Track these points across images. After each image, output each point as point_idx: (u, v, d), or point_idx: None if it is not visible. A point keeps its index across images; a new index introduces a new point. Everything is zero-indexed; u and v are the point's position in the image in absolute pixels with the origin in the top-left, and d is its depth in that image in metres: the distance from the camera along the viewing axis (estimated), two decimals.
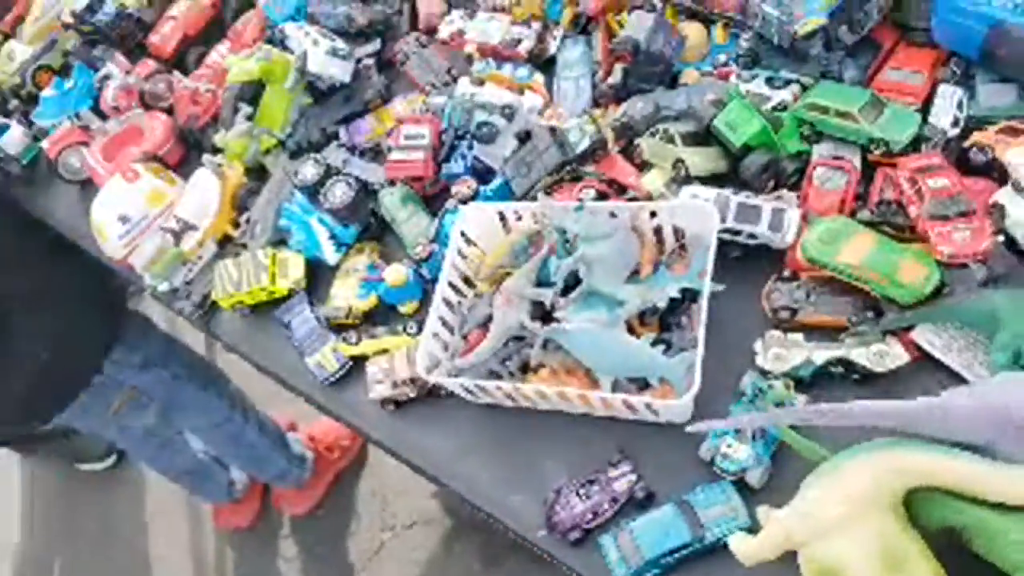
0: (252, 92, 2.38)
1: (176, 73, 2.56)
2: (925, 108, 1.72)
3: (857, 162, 1.71)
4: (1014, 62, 1.61)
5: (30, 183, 2.70)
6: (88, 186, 2.56)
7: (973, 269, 1.48)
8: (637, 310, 1.59)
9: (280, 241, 2.19)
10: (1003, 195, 1.56)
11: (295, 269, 2.08)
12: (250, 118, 2.37)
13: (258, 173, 2.37)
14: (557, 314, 1.66)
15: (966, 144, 1.63)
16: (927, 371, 1.52)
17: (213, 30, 2.77)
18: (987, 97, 1.67)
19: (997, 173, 1.60)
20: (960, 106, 1.68)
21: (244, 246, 2.25)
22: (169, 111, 2.61)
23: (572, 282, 1.70)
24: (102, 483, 3.91)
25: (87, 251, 2.46)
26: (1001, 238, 1.52)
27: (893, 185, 1.65)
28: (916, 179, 1.57)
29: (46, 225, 2.61)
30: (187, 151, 2.55)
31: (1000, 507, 1.20)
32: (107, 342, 2.58)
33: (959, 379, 1.48)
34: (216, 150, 2.40)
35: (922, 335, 1.51)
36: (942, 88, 1.70)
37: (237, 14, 2.74)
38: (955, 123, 1.67)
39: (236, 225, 2.29)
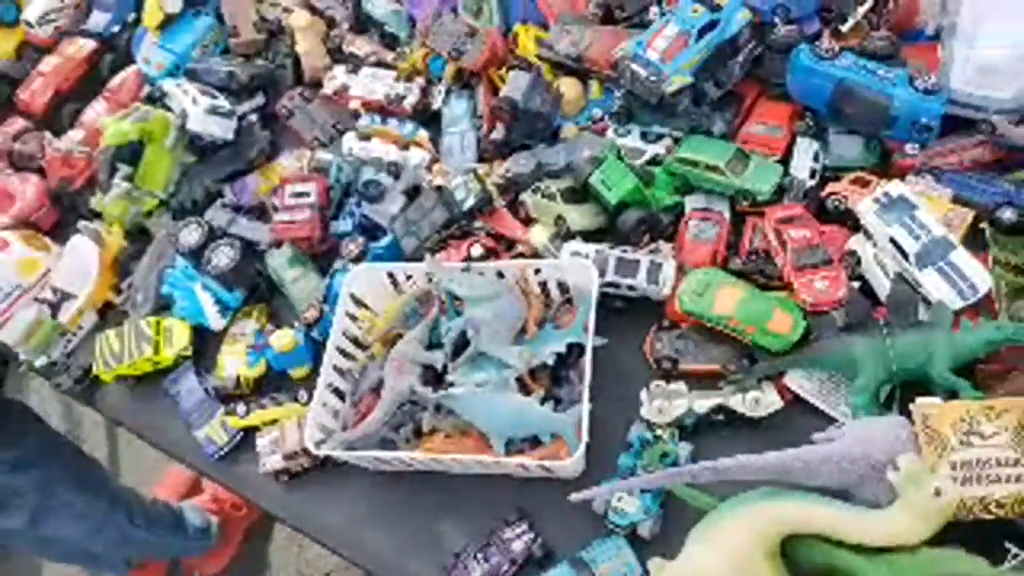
0: (131, 152, 2.31)
1: (47, 135, 2.46)
2: (786, 159, 1.83)
3: (727, 212, 1.80)
4: (857, 117, 1.73)
5: None
6: None
7: (834, 316, 1.57)
8: (525, 370, 1.62)
9: (164, 307, 2.12)
10: (856, 242, 1.66)
11: (180, 337, 2.01)
12: (129, 179, 2.29)
13: (140, 236, 2.29)
14: (448, 377, 1.67)
15: (823, 194, 1.74)
16: (801, 413, 1.60)
17: (88, 86, 2.66)
18: (838, 148, 1.79)
19: (852, 221, 1.71)
20: (816, 157, 1.79)
21: (126, 314, 2.17)
22: (41, 172, 2.49)
23: (463, 343, 1.71)
24: None
25: None
26: (858, 284, 1.62)
27: (761, 235, 1.74)
28: (780, 230, 1.66)
29: None
30: (62, 214, 2.44)
31: (863, 548, 1.28)
32: None
33: (829, 419, 1.56)
34: (94, 214, 2.31)
35: (793, 380, 1.59)
36: (799, 141, 1.81)
37: (114, 69, 2.65)
38: (812, 174, 1.78)
39: (118, 291, 2.21)
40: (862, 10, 1.83)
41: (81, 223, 2.23)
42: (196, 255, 2.06)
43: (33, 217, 2.40)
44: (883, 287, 1.61)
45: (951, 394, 1.45)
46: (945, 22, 1.70)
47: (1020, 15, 1.56)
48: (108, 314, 2.21)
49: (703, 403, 1.61)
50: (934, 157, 1.70)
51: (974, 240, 1.62)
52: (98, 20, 2.75)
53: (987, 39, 1.61)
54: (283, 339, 1.87)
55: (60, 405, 3.57)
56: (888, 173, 1.74)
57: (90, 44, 2.70)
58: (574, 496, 1.45)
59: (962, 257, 1.54)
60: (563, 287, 1.78)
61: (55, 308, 2.17)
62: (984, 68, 1.61)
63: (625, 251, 1.75)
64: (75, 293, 2.18)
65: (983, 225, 1.61)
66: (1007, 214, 1.60)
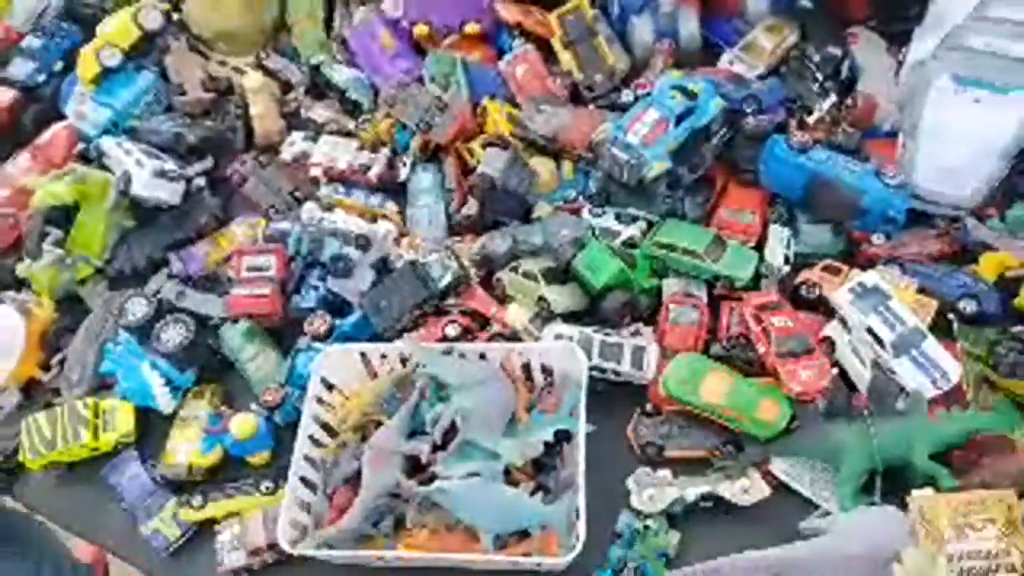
0: (62, 214, 2.14)
1: None
2: (759, 244, 1.88)
3: (704, 296, 1.82)
4: (829, 207, 1.81)
5: None
6: None
7: (817, 404, 1.60)
8: (522, 462, 1.56)
9: (103, 386, 1.95)
10: (832, 330, 1.71)
11: (123, 421, 1.85)
12: (60, 244, 2.12)
13: (72, 306, 2.11)
14: (433, 468, 1.59)
15: (797, 282, 1.79)
16: (785, 499, 1.61)
17: (7, 138, 2.47)
18: (809, 236, 1.86)
19: (823, 307, 1.77)
20: (788, 244, 1.85)
21: (55, 392, 1.98)
22: None
23: (447, 431, 1.64)
24: None
25: None
26: (835, 370, 1.67)
27: (739, 319, 1.76)
28: (760, 317, 1.70)
29: None
30: None
31: None
32: None
33: (813, 506, 1.58)
34: (17, 281, 2.11)
35: (778, 467, 1.61)
36: (773, 228, 1.86)
37: (37, 121, 2.47)
38: (786, 260, 1.83)
39: (46, 368, 2.02)
40: (827, 104, 1.93)
41: (5, 293, 2.04)
42: (143, 331, 1.91)
43: None
44: (859, 374, 1.65)
45: (931, 481, 1.49)
46: (905, 122, 1.80)
47: (979, 118, 1.67)
48: (34, 394, 2.01)
49: (693, 491, 1.60)
50: (898, 248, 1.79)
51: (937, 329, 1.69)
52: (20, 68, 2.56)
53: (948, 141, 1.72)
54: (244, 425, 1.75)
55: None
56: (854, 262, 1.82)
57: (11, 94, 2.51)
58: None
59: (933, 347, 1.60)
60: (545, 370, 1.75)
61: None
62: (946, 168, 1.71)
63: (609, 334, 1.74)
64: None
65: (950, 316, 1.69)
66: (969, 306, 1.69)
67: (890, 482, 1.53)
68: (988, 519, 1.35)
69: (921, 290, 1.73)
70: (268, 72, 2.41)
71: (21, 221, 2.14)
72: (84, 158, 2.29)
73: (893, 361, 1.59)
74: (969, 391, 1.60)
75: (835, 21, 2.22)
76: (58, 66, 2.56)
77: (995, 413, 1.57)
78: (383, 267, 1.99)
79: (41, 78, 2.53)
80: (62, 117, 2.46)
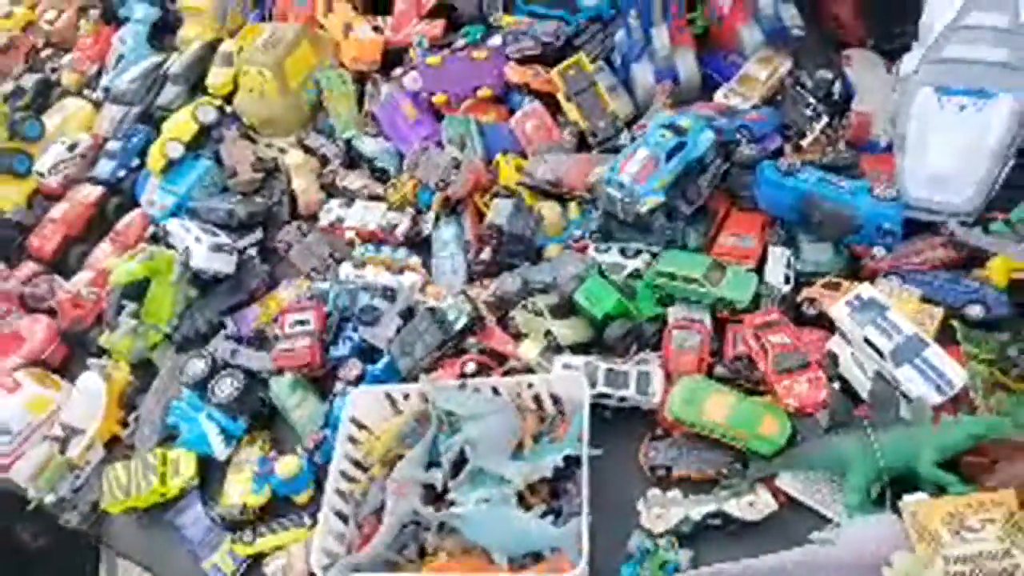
0: (138, 289, 2.41)
1: (57, 278, 2.57)
2: (760, 267, 1.92)
3: (708, 321, 1.88)
4: (824, 225, 1.84)
5: None
6: None
7: (818, 417, 1.62)
8: (524, 485, 1.65)
9: (171, 438, 2.16)
10: (835, 344, 1.74)
11: (186, 468, 2.05)
12: (136, 315, 2.38)
13: (146, 369, 2.36)
14: (449, 496, 1.70)
15: (798, 300, 1.82)
16: (795, 513, 1.63)
17: (95, 229, 2.80)
18: (810, 255, 1.89)
19: (828, 323, 1.79)
20: (789, 264, 1.89)
21: (131, 447, 2.21)
22: (52, 312, 2.58)
23: (461, 460, 1.75)
24: None
25: None
26: (839, 385, 1.68)
27: (743, 340, 1.81)
28: (760, 336, 1.74)
29: None
30: (71, 351, 2.51)
31: None
32: None
33: (824, 518, 1.59)
34: (102, 350, 2.39)
35: (785, 481, 1.63)
36: (772, 249, 1.91)
37: (119, 211, 2.79)
38: (787, 280, 1.87)
39: (124, 424, 2.26)
40: (818, 127, 1.98)
41: (90, 360, 2.31)
42: (201, 386, 2.12)
43: (43, 355, 2.47)
44: (863, 386, 1.67)
45: (941, 488, 1.48)
46: (896, 136, 1.83)
47: (964, 125, 1.69)
48: (114, 449, 2.25)
49: (700, 509, 1.64)
50: (901, 259, 1.80)
51: (945, 337, 1.68)
52: (104, 167, 2.91)
53: (934, 150, 1.74)
54: (288, 466, 1.92)
55: None
56: (860, 276, 1.83)
57: (97, 190, 2.85)
58: None
59: (936, 354, 1.60)
60: (556, 399, 1.84)
61: (64, 444, 2.21)
62: (935, 177, 1.73)
63: (614, 362, 1.81)
64: (83, 428, 2.23)
65: (953, 322, 1.68)
66: (975, 311, 1.68)
67: (902, 492, 1.52)
68: (987, 520, 1.33)
69: (925, 299, 1.73)
70: (308, 149, 2.65)
71: (103, 299, 2.42)
72: (154, 239, 2.57)
73: (895, 370, 1.60)
74: (977, 396, 1.58)
75: (831, 45, 2.28)
76: (135, 162, 2.89)
77: (1008, 416, 1.54)
78: (409, 315, 2.14)
79: (121, 173, 2.86)
80: (138, 205, 2.77)
